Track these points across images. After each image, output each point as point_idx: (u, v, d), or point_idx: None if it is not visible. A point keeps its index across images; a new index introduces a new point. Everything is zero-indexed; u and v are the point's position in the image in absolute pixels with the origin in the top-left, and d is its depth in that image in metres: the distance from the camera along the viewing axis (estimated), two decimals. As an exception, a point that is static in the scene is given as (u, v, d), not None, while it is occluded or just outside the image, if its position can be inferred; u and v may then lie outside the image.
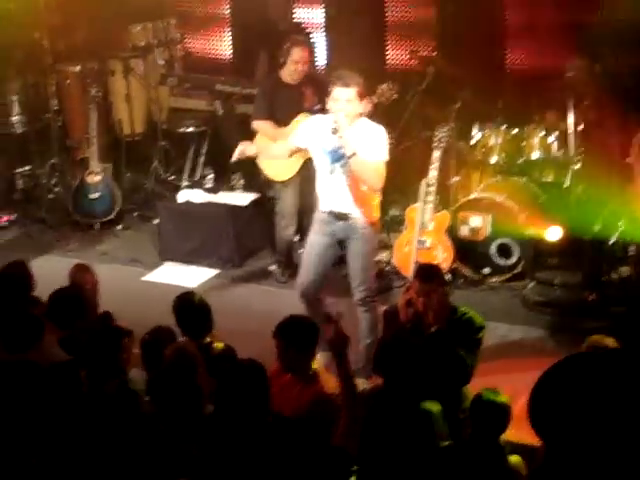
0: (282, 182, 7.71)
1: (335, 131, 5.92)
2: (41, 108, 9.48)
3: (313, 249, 6.34)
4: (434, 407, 4.47)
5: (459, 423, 4.84)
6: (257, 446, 4.18)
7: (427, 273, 5.55)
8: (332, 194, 6.19)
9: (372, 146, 5.98)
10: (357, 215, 6.18)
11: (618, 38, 7.80)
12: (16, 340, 5.00)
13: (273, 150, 6.72)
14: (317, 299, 6.43)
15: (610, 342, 4.85)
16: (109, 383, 4.69)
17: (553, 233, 7.36)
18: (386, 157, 6.05)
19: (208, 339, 5.40)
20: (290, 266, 7.80)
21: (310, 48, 7.63)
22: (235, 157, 6.51)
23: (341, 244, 6.32)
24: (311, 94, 7.56)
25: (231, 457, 4.21)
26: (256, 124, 7.63)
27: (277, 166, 7.59)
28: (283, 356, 4.94)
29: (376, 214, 6.29)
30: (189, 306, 5.49)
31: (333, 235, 6.28)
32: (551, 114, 7.97)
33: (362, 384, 5.82)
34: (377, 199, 6.26)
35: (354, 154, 5.89)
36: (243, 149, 6.52)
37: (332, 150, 6.05)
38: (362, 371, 6.07)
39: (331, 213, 6.23)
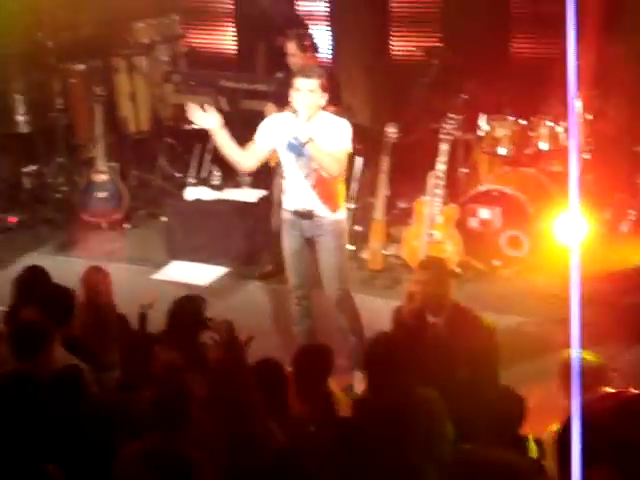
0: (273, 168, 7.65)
1: (295, 115, 5.91)
2: (46, 107, 9.45)
3: (288, 253, 6.32)
4: (433, 393, 4.47)
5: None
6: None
7: (426, 262, 5.55)
8: (296, 192, 6.15)
9: (334, 136, 6.00)
10: (322, 212, 6.13)
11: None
12: (24, 347, 4.97)
13: (235, 157, 6.30)
14: (307, 297, 6.38)
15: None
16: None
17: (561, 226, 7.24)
18: (348, 147, 6.07)
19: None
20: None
21: (309, 41, 7.58)
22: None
23: (310, 242, 6.26)
24: None
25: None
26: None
27: None
28: (297, 383, 4.84)
29: (342, 205, 6.23)
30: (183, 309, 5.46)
31: (302, 234, 6.24)
32: (557, 103, 7.92)
33: (360, 380, 5.78)
34: (342, 189, 6.21)
35: (310, 139, 5.89)
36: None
37: (293, 143, 6.03)
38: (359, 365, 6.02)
39: (296, 212, 6.19)
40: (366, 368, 4.78)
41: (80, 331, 5.65)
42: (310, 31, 7.79)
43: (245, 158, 6.21)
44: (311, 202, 6.12)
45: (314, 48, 7.65)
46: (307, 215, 6.15)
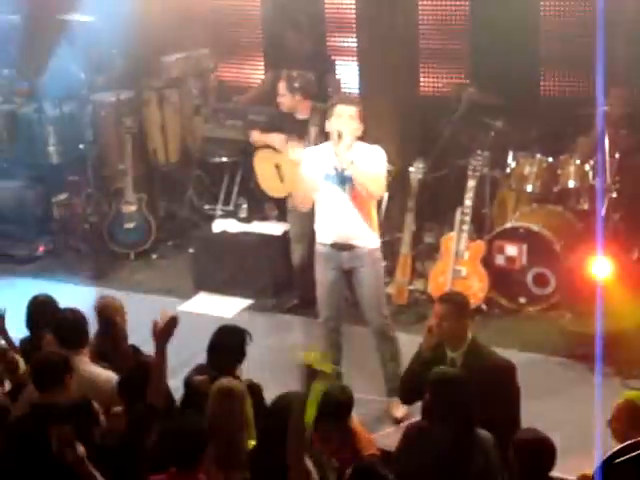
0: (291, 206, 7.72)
1: (340, 135, 6.05)
2: (77, 138, 9.55)
3: (323, 286, 6.39)
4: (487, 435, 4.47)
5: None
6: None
7: (446, 296, 5.57)
8: (334, 224, 6.24)
9: (371, 160, 6.16)
10: (362, 243, 6.25)
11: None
12: (44, 378, 5.00)
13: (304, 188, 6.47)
14: (336, 330, 6.48)
15: None
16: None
17: (600, 269, 7.14)
18: (385, 171, 6.25)
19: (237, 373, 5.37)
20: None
21: (300, 84, 7.65)
22: None
23: (347, 274, 6.35)
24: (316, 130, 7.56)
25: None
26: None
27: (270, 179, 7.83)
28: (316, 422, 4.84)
29: (377, 241, 6.36)
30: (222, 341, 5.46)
31: (339, 267, 6.32)
32: (583, 141, 7.92)
33: (399, 406, 6.07)
34: (375, 217, 6.34)
35: (352, 162, 6.04)
36: None
37: (334, 173, 6.15)
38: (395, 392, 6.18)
39: (334, 245, 6.27)
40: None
41: (93, 361, 5.68)
42: (303, 75, 7.73)
43: (311, 195, 6.33)
44: (350, 233, 6.22)
45: (304, 91, 7.64)
46: (346, 247, 6.24)
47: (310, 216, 7.55)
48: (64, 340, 5.50)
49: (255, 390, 5.24)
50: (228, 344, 5.41)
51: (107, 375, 5.42)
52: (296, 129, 7.65)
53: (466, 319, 5.47)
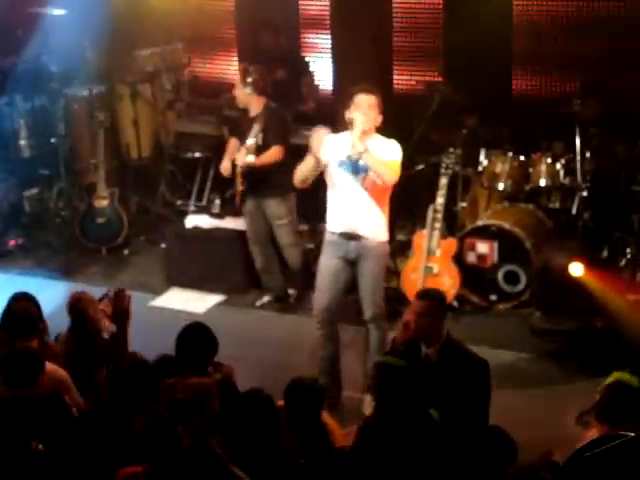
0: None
1: (351, 122, 6.13)
2: (49, 132, 9.51)
3: (328, 273, 6.43)
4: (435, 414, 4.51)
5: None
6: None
7: (424, 293, 5.60)
8: (345, 214, 6.31)
9: (386, 149, 6.24)
10: (370, 234, 6.32)
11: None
12: (16, 376, 4.98)
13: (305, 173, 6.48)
14: (332, 323, 6.50)
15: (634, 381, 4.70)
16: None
17: (576, 269, 7.19)
18: (400, 159, 6.28)
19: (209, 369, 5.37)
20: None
21: (253, 78, 7.64)
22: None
23: (352, 264, 6.42)
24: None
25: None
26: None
27: None
28: (289, 418, 4.84)
29: (386, 235, 6.42)
30: (194, 338, 5.46)
31: (346, 256, 6.39)
32: (558, 143, 7.99)
33: (369, 403, 5.96)
34: (386, 213, 6.37)
35: (366, 150, 6.11)
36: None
37: (349, 160, 6.21)
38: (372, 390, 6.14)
39: (343, 234, 6.34)
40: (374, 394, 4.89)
41: (66, 355, 5.65)
42: (258, 70, 7.66)
43: (309, 177, 6.40)
44: (359, 224, 6.29)
45: (256, 86, 7.56)
46: (354, 237, 6.31)
47: (264, 218, 7.65)
48: (12, 330, 5.46)
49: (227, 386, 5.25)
50: (197, 344, 5.40)
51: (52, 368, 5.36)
52: (249, 126, 7.56)
53: (443, 316, 5.50)
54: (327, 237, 6.46)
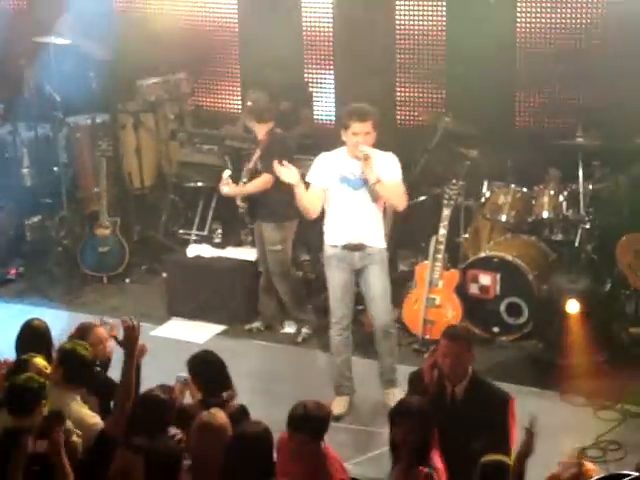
0: None
1: (366, 158, 6.30)
2: (51, 161, 9.51)
3: (338, 284, 6.65)
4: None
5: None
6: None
7: (452, 331, 5.57)
8: (347, 226, 6.50)
9: (388, 169, 6.41)
10: (373, 243, 6.54)
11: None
12: (19, 404, 4.95)
13: (307, 205, 6.64)
14: (349, 328, 6.77)
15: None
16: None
17: (572, 306, 7.20)
18: (401, 176, 6.51)
19: (224, 395, 5.36)
20: None
21: (260, 107, 7.71)
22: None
23: (357, 272, 6.63)
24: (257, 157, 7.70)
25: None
26: None
27: None
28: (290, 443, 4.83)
29: (384, 241, 6.66)
30: (206, 363, 5.49)
31: (351, 267, 6.59)
32: (554, 173, 7.99)
33: (398, 393, 6.37)
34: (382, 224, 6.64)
35: (379, 181, 6.32)
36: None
37: (353, 178, 6.42)
38: (393, 382, 6.69)
39: (347, 246, 6.53)
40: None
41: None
42: (259, 99, 7.72)
43: (315, 205, 6.56)
44: (363, 234, 6.49)
45: (257, 115, 7.63)
46: (358, 247, 6.51)
47: (260, 241, 7.75)
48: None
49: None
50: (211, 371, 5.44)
51: (94, 420, 5.29)
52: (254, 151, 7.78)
53: (471, 354, 5.43)
54: (328, 251, 6.64)
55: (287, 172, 6.53)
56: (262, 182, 7.54)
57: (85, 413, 5.23)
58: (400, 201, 6.58)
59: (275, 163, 6.62)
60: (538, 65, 8.67)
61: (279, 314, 8.02)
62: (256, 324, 8.07)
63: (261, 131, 7.66)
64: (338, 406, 6.72)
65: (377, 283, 6.61)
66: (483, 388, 5.37)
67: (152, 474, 4.44)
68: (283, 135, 7.80)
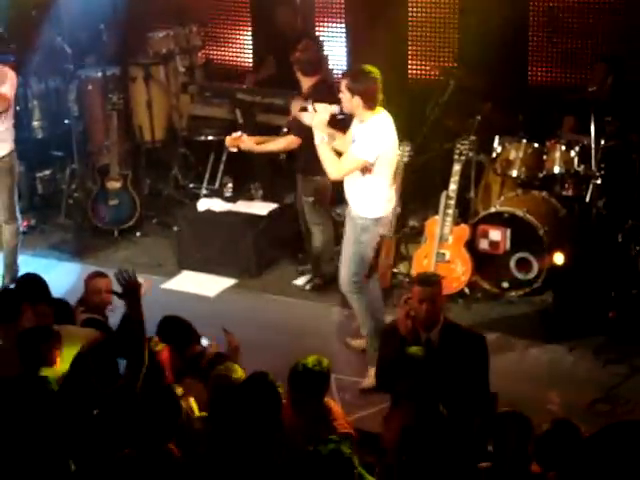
0: None
1: (303, 109, 6.48)
2: (62, 114, 9.50)
3: (344, 242, 6.67)
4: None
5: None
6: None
7: (425, 279, 5.64)
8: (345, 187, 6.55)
9: (357, 143, 6.32)
10: (355, 206, 6.49)
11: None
12: (30, 354, 4.99)
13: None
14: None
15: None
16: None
17: (558, 258, 7.30)
18: (362, 156, 6.30)
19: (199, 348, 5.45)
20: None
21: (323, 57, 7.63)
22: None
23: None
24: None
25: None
26: None
27: None
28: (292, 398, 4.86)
29: (376, 213, 6.49)
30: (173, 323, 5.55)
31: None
32: (569, 120, 7.95)
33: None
34: (379, 196, 6.46)
35: (322, 139, 6.32)
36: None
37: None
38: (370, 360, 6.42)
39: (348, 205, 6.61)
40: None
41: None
42: (322, 49, 7.68)
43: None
44: (349, 196, 6.53)
45: (307, 69, 7.37)
46: (349, 210, 6.57)
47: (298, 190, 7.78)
48: None
49: None
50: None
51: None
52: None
53: (443, 299, 5.58)
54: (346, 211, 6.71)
55: (308, 115, 6.44)
56: (284, 143, 7.46)
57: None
58: (332, 170, 6.38)
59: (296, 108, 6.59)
60: (551, 21, 8.60)
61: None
62: (301, 280, 8.05)
63: (305, 84, 7.42)
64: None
65: (345, 248, 6.60)
66: (457, 331, 5.47)
67: None
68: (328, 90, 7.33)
